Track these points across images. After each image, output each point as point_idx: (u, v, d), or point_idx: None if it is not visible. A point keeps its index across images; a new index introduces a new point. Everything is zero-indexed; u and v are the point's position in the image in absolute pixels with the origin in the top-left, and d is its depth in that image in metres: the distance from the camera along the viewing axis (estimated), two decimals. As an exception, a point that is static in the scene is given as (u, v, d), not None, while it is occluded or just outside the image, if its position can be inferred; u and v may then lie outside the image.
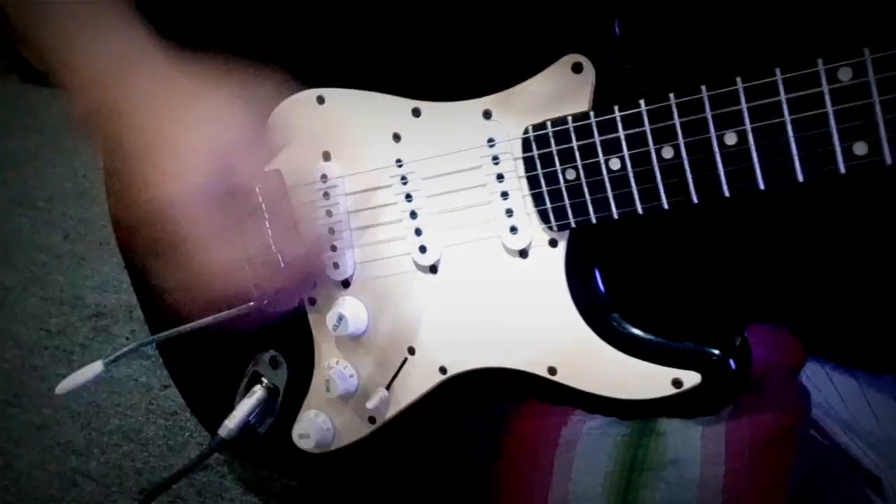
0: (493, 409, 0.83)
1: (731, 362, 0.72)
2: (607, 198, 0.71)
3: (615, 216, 0.71)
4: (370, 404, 0.83)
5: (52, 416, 1.33)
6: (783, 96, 0.64)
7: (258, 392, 0.89)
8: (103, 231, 1.40)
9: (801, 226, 0.78)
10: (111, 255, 1.45)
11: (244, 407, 0.89)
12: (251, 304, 0.87)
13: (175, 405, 1.25)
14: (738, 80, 0.65)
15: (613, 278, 0.76)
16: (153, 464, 1.20)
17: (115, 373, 1.32)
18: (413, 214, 0.79)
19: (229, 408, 0.90)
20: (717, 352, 0.72)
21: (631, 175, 0.70)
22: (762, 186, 0.66)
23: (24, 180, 1.81)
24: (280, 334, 0.89)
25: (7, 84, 2.22)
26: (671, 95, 0.67)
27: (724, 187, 0.67)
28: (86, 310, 1.48)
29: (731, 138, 0.66)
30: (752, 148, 0.66)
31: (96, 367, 0.91)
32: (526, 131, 0.73)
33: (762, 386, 0.74)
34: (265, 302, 0.86)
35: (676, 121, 0.67)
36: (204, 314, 0.88)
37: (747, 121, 0.65)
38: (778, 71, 0.64)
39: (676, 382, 0.72)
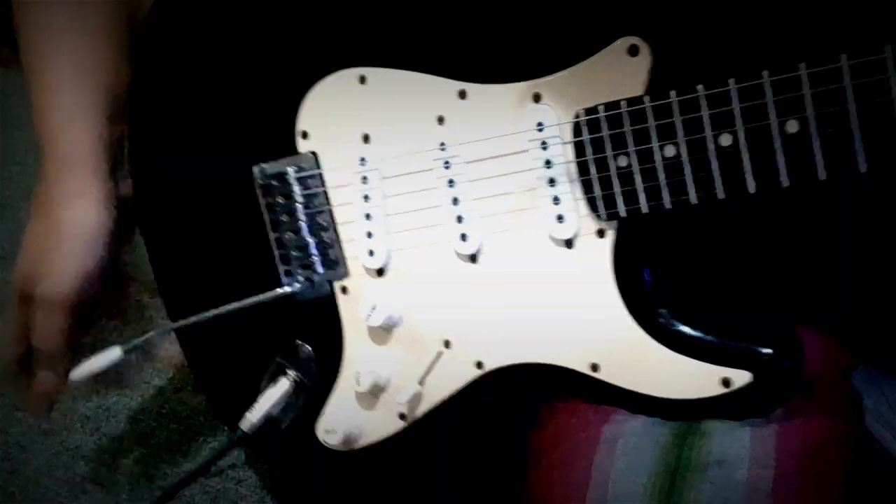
0: (528, 404, 0.85)
1: (784, 362, 0.74)
2: (660, 186, 0.73)
3: (667, 205, 0.73)
4: (401, 399, 0.85)
5: (60, 420, 1.32)
6: (848, 82, 0.66)
7: (283, 384, 0.91)
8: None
9: (853, 228, 0.80)
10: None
11: (267, 399, 0.91)
12: (279, 290, 0.90)
13: (188, 409, 1.26)
14: (802, 65, 0.68)
15: (660, 272, 0.78)
16: (165, 470, 1.21)
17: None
18: (455, 200, 0.82)
19: (251, 401, 0.92)
20: (769, 351, 0.74)
21: (686, 162, 0.72)
22: (822, 176, 0.68)
23: (30, 175, 1.82)
24: (308, 323, 0.91)
25: (13, 74, 2.25)
26: (731, 81, 0.70)
27: (784, 176, 0.69)
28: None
29: (792, 126, 0.68)
30: (814, 136, 0.68)
31: (114, 353, 0.94)
32: (577, 115, 0.75)
33: (813, 389, 0.76)
34: (295, 288, 0.89)
35: (736, 107, 0.70)
36: (228, 301, 0.92)
37: (810, 108, 0.68)
38: (844, 57, 0.66)
39: (726, 382, 0.74)
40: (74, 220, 0.93)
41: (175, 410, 1.27)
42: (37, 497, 1.23)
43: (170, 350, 1.01)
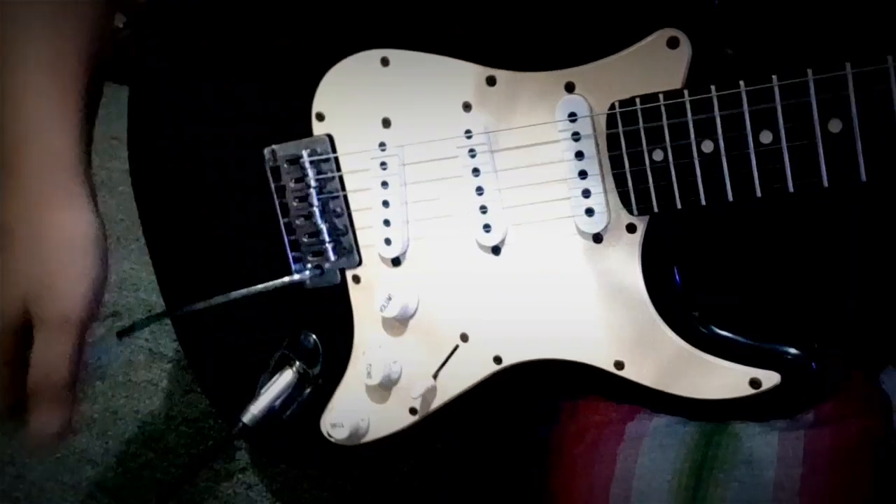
0: (548, 400, 0.87)
1: (813, 363, 0.76)
2: (696, 182, 0.75)
3: (703, 202, 0.75)
4: (414, 394, 0.86)
5: None
6: (895, 84, 0.69)
7: (287, 375, 0.92)
8: (121, 226, 1.40)
9: (886, 229, 0.83)
10: (129, 251, 1.44)
11: (271, 391, 0.92)
12: (288, 277, 0.90)
13: (197, 412, 1.26)
14: (847, 65, 0.70)
15: (689, 270, 0.80)
16: (174, 474, 1.22)
17: (134, 377, 1.33)
18: (479, 190, 0.83)
19: (253, 394, 0.93)
20: (798, 352, 0.76)
21: (724, 159, 0.74)
22: (864, 177, 0.71)
23: None
24: (316, 313, 0.92)
25: None
26: (774, 77, 0.72)
27: (824, 176, 0.72)
28: (102, 309, 1.47)
29: (835, 125, 0.71)
30: (857, 136, 0.70)
31: (110, 340, 0.94)
32: (612, 107, 0.77)
33: (842, 391, 0.79)
34: (304, 276, 0.89)
35: (778, 104, 0.72)
36: (232, 289, 0.92)
37: (854, 108, 0.70)
38: (890, 58, 0.69)
39: (754, 383, 0.76)
40: (69, 227, 0.87)
41: (184, 413, 1.27)
42: (42, 502, 1.24)
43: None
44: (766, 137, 0.73)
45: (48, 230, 0.86)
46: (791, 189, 0.73)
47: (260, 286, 0.90)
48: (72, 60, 0.89)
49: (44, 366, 0.85)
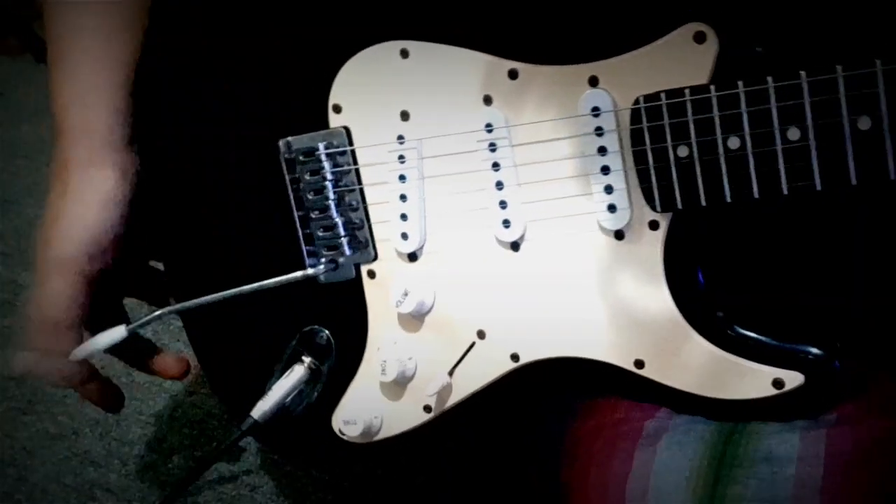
0: (564, 398, 0.87)
1: (836, 363, 0.77)
2: (721, 179, 0.76)
3: (728, 199, 0.76)
4: (430, 390, 0.87)
5: (68, 424, 1.34)
6: (926, 82, 0.69)
7: (298, 371, 0.93)
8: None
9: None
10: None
11: (282, 387, 0.92)
12: (301, 272, 0.91)
13: (202, 412, 1.27)
14: (878, 62, 0.70)
15: (712, 269, 0.81)
16: (178, 475, 1.23)
17: (137, 377, 1.31)
18: (499, 185, 0.84)
19: (263, 390, 0.93)
20: (821, 352, 0.77)
21: (751, 156, 0.75)
22: (893, 175, 0.71)
23: (37, 168, 1.81)
24: (329, 308, 0.92)
25: (20, 65, 2.23)
26: (802, 73, 0.72)
27: (852, 174, 0.72)
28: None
29: (864, 123, 0.71)
30: (887, 134, 0.71)
31: (118, 333, 0.94)
32: (636, 102, 0.77)
33: (864, 390, 0.79)
34: (318, 271, 0.90)
35: (806, 100, 0.72)
36: (243, 282, 0.92)
37: (883, 105, 0.71)
38: (921, 56, 0.69)
39: (777, 383, 0.77)
40: (86, 185, 0.95)
41: (188, 414, 1.29)
42: (44, 504, 1.25)
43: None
44: (793, 134, 0.73)
45: (69, 188, 0.96)
46: (819, 187, 0.73)
47: (272, 280, 0.91)
48: (121, 36, 0.97)
49: (46, 305, 0.96)
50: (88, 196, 0.95)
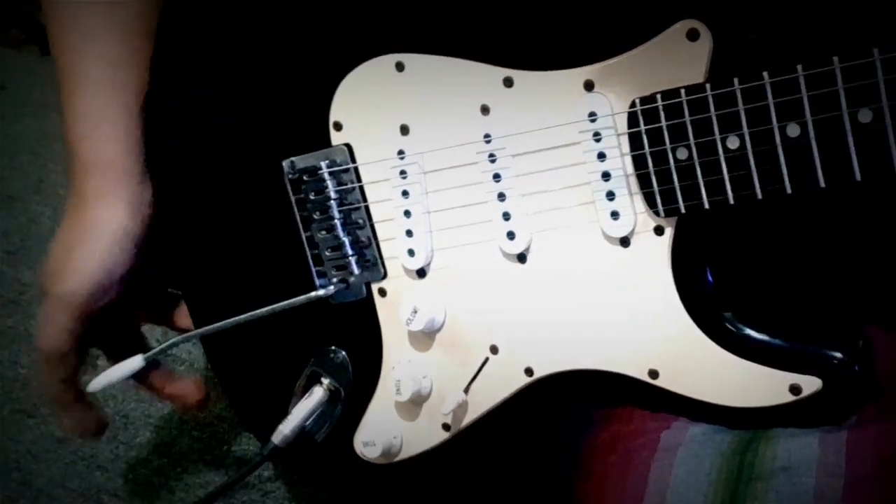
0: (579, 410, 0.88)
1: (855, 366, 0.77)
2: (723, 180, 0.76)
3: (731, 201, 0.76)
4: (445, 409, 0.88)
5: None
6: (925, 70, 0.69)
7: (317, 393, 0.95)
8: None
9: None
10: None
11: (301, 410, 0.95)
12: (312, 293, 0.93)
13: (211, 416, 1.27)
14: (875, 51, 0.70)
15: (722, 273, 0.81)
16: (187, 481, 1.24)
17: None
18: (501, 196, 0.85)
19: (283, 412, 0.96)
20: (840, 354, 0.77)
21: (751, 155, 0.75)
22: (899, 170, 0.71)
23: (42, 165, 1.81)
24: (343, 328, 0.95)
25: (25, 57, 2.25)
26: (799, 67, 0.72)
27: (856, 170, 0.72)
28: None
29: (865, 115, 0.71)
30: (889, 126, 0.71)
31: (135, 362, 0.98)
32: (633, 105, 0.78)
33: (886, 394, 0.79)
34: (329, 291, 0.92)
35: (804, 95, 0.72)
36: (258, 305, 0.95)
37: (884, 96, 0.70)
38: (921, 42, 0.69)
39: (794, 389, 0.77)
40: (99, 220, 0.98)
41: (197, 418, 1.29)
42: (50, 510, 1.26)
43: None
44: (793, 131, 0.73)
45: (82, 221, 0.99)
46: (822, 184, 0.73)
47: (285, 303, 0.93)
48: (127, 63, 1.00)
49: (43, 333, 1.00)
50: (99, 233, 0.98)
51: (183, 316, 1.05)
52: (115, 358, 1.01)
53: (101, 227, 0.98)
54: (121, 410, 1.32)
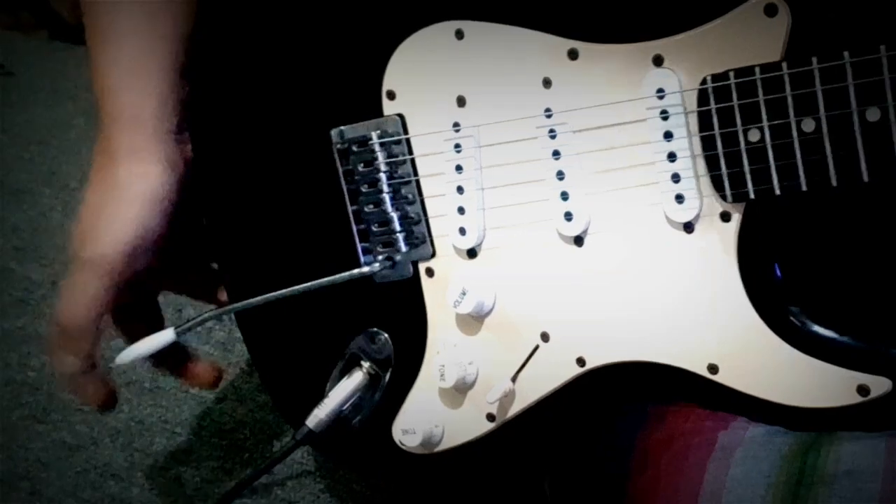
0: (634, 404, 0.90)
1: (931, 368, 0.78)
2: (796, 165, 0.77)
3: (804, 187, 0.77)
4: (491, 398, 0.90)
5: (87, 433, 1.35)
6: None
7: (357, 377, 0.97)
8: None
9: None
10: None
11: (338, 394, 0.97)
12: (357, 270, 0.95)
13: (233, 421, 1.29)
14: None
15: (789, 265, 0.82)
16: (206, 490, 1.24)
17: (162, 383, 1.36)
18: (560, 175, 0.87)
19: (320, 396, 0.98)
20: (912, 355, 0.78)
21: (826, 139, 0.76)
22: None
23: (53, 156, 1.81)
24: (387, 309, 0.97)
25: (34, 42, 2.27)
26: (882, 48, 0.73)
27: (934, 158, 0.73)
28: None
29: (947, 99, 0.72)
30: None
31: (167, 336, 1.00)
32: (704, 82, 0.80)
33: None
34: (374, 269, 0.94)
35: (886, 77, 0.73)
36: (298, 281, 0.97)
37: None
38: None
39: (862, 389, 0.78)
40: (131, 181, 0.99)
41: (217, 423, 1.30)
42: (60, 520, 1.26)
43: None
44: (872, 115, 0.74)
45: (112, 181, 1.00)
46: (904, 171, 0.75)
47: (326, 279, 0.95)
48: (165, 9, 1.01)
49: (66, 301, 1.01)
50: (132, 192, 0.99)
51: (217, 290, 1.07)
52: (129, 331, 1.03)
53: (133, 185, 0.99)
54: (136, 416, 1.34)
